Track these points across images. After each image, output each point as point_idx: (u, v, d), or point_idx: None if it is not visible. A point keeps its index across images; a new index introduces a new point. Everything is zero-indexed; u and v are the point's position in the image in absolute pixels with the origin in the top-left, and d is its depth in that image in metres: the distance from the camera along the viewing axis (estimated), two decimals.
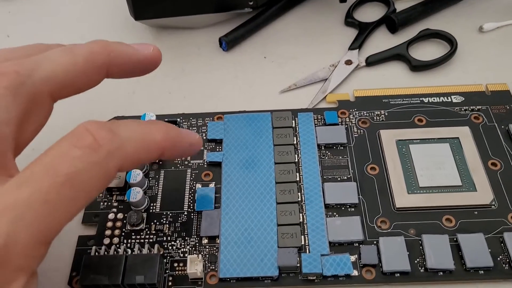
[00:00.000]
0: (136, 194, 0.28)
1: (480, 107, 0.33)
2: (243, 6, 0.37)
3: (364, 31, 0.38)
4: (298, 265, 0.26)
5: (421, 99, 0.34)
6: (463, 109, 0.33)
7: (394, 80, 0.35)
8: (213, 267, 0.27)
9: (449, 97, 0.34)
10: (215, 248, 0.27)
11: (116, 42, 0.25)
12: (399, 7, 0.39)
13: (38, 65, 0.22)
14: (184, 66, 0.37)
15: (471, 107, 0.33)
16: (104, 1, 0.43)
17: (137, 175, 0.29)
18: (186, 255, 0.27)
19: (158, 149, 0.22)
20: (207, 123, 0.33)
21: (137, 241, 0.28)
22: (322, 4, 0.40)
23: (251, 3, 0.37)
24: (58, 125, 0.35)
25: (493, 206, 0.28)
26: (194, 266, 0.26)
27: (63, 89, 0.23)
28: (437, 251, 0.26)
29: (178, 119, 0.33)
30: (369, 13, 0.40)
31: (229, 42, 0.37)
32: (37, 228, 0.18)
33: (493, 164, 0.30)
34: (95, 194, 0.20)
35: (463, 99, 0.34)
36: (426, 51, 0.37)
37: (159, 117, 0.33)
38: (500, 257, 0.27)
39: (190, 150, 0.25)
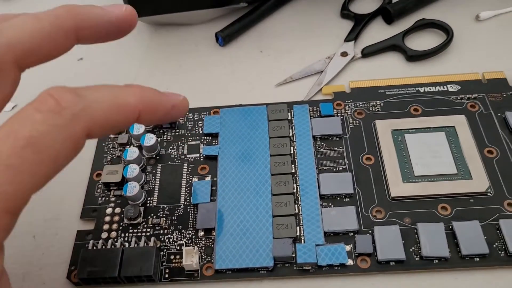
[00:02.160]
0: (132, 189, 0.29)
1: (476, 95, 0.33)
2: (238, 1, 0.37)
3: (360, 22, 0.38)
4: (293, 255, 0.27)
5: (417, 88, 0.34)
6: (459, 98, 0.33)
7: (390, 70, 0.35)
8: (209, 259, 0.27)
9: (445, 86, 0.34)
10: (211, 240, 0.28)
11: (86, 5, 0.23)
12: None
13: (0, 33, 0.21)
14: (181, 62, 0.38)
15: (467, 96, 0.33)
16: None
17: (133, 169, 0.29)
18: (182, 247, 0.27)
19: (132, 112, 0.21)
20: (204, 117, 0.33)
21: (135, 234, 0.28)
22: None
23: None
24: None
25: (489, 194, 0.28)
26: (190, 258, 0.26)
27: (29, 56, 0.22)
28: (432, 239, 0.26)
29: None
30: (365, 5, 0.40)
31: (225, 37, 0.37)
32: (1, 195, 0.17)
33: (489, 151, 0.30)
34: (63, 161, 0.19)
35: (459, 87, 0.33)
36: (422, 41, 0.37)
37: None
38: (496, 244, 0.26)
39: (173, 113, 0.23)
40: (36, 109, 0.18)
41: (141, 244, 0.27)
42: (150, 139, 0.31)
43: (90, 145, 0.32)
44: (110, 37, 0.25)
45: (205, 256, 0.27)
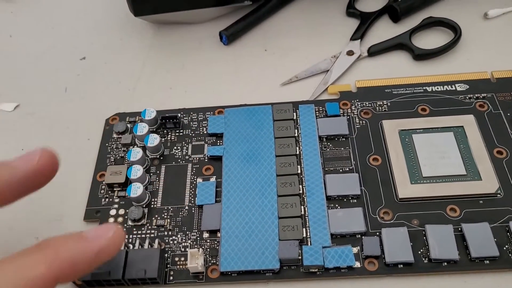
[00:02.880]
0: (136, 190, 0.28)
1: (485, 94, 0.32)
2: None
3: (366, 21, 0.37)
4: (300, 257, 0.26)
5: (424, 88, 0.33)
6: (467, 97, 0.32)
7: (397, 69, 0.35)
8: (214, 261, 0.27)
9: (453, 86, 0.33)
10: (216, 242, 0.27)
11: None
12: None
13: None
14: (184, 61, 0.37)
15: (476, 95, 0.32)
16: None
17: (137, 170, 0.29)
18: (187, 249, 0.27)
19: (44, 284, 0.19)
20: (208, 117, 0.33)
21: (139, 236, 0.28)
22: None
23: None
24: (65, 119, 0.35)
25: (498, 195, 0.28)
26: (195, 260, 0.26)
27: None
28: (441, 241, 0.26)
29: (179, 114, 0.33)
30: (371, 3, 0.39)
31: (229, 36, 0.37)
32: None
33: (499, 152, 0.30)
34: None
35: (468, 87, 0.33)
36: (429, 40, 0.36)
37: (160, 112, 0.33)
38: (506, 246, 0.26)
39: (101, 259, 0.21)
40: None
41: (145, 246, 0.27)
42: (154, 140, 0.30)
43: (93, 146, 0.32)
44: (26, 192, 0.23)
45: (210, 258, 0.27)
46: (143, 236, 0.28)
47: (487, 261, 0.26)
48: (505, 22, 0.37)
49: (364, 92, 0.33)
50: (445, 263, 0.26)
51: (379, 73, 0.35)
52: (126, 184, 0.30)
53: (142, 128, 0.31)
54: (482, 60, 0.35)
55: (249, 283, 0.26)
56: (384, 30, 0.37)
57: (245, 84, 0.35)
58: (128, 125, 0.33)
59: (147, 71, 0.37)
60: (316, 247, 0.26)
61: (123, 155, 0.31)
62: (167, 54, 0.38)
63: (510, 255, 0.26)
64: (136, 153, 0.30)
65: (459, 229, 0.27)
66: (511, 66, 0.34)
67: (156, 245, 0.27)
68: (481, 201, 0.28)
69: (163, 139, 0.32)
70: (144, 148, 0.31)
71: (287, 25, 0.39)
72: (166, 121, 0.32)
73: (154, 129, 0.32)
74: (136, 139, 0.32)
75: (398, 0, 0.38)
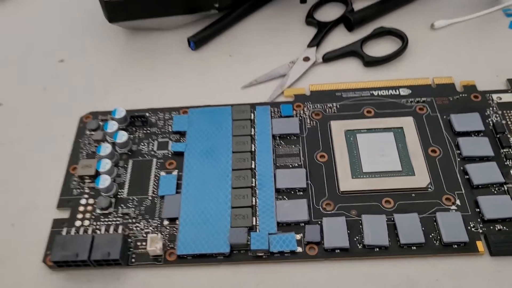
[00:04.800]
0: (104, 181, 0.31)
1: (425, 99, 0.36)
2: (208, 8, 0.40)
3: (323, 29, 0.41)
4: (248, 243, 0.29)
5: (371, 92, 0.36)
6: (409, 101, 0.36)
7: (348, 75, 0.38)
8: (172, 246, 0.30)
9: (397, 90, 0.36)
10: (175, 229, 0.30)
11: None
12: (358, 6, 0.42)
13: None
14: (154, 65, 0.40)
15: (417, 99, 0.36)
16: (81, 4, 0.45)
17: (106, 164, 0.32)
18: (148, 235, 0.30)
19: None
20: (173, 116, 0.36)
21: (105, 223, 0.31)
22: (285, 5, 0.43)
23: (216, 5, 0.39)
24: (43, 116, 0.38)
25: (429, 189, 0.31)
26: (154, 244, 0.29)
27: None
28: (374, 229, 0.29)
29: (147, 113, 0.36)
30: (329, 13, 0.43)
31: (196, 42, 0.40)
32: None
33: (433, 151, 0.33)
34: None
35: (410, 91, 0.36)
36: (379, 48, 0.40)
37: (130, 112, 0.36)
38: (432, 234, 0.29)
39: None
40: None
41: (111, 231, 0.30)
42: (122, 136, 0.33)
43: (68, 141, 0.35)
44: None
45: (169, 243, 0.30)
46: (110, 223, 0.31)
47: (414, 247, 0.29)
48: (450, 33, 0.40)
49: (317, 95, 0.37)
50: (377, 249, 0.29)
51: (331, 78, 0.38)
52: (96, 176, 0.32)
53: (112, 126, 0.34)
54: (426, 67, 0.38)
55: (203, 265, 0.29)
56: (339, 39, 0.41)
57: (209, 87, 0.38)
58: (100, 123, 0.36)
59: (120, 73, 0.40)
60: (263, 233, 0.29)
61: (94, 150, 0.34)
62: (139, 58, 0.41)
63: (435, 242, 0.29)
64: (105, 148, 0.33)
65: (392, 219, 0.30)
66: (452, 73, 0.37)
67: (120, 230, 0.30)
68: (413, 194, 0.31)
69: (131, 136, 0.35)
70: (114, 144, 0.34)
71: (250, 32, 0.42)
72: (135, 120, 0.35)
73: (124, 127, 0.35)
74: (106, 136, 0.35)
75: (354, 10, 0.41)
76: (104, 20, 0.40)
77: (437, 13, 0.42)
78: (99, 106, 0.37)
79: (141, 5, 0.38)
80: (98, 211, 0.31)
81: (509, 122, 0.34)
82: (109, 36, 0.42)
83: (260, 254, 0.29)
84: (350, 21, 0.41)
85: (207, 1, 0.39)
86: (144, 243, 0.30)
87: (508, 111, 0.35)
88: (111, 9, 0.38)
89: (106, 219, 0.31)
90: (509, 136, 0.33)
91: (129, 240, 0.30)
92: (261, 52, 0.40)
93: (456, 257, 0.29)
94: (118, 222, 0.31)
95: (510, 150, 0.33)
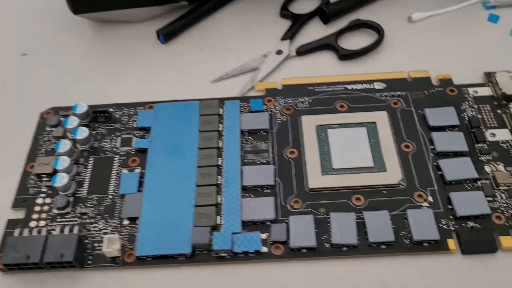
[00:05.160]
0: (61, 180, 0.30)
1: (400, 93, 0.35)
2: None
3: (297, 22, 0.39)
4: (211, 243, 0.28)
5: (345, 86, 0.35)
6: (384, 95, 0.34)
7: (322, 69, 0.37)
8: (132, 247, 0.28)
9: (371, 84, 0.35)
10: (135, 229, 0.29)
11: None
12: None
13: None
14: (123, 58, 0.39)
15: (392, 93, 0.35)
16: None
17: (64, 161, 0.31)
18: (105, 235, 0.28)
19: None
20: (138, 111, 0.34)
21: (62, 223, 0.29)
22: None
23: None
24: (2, 112, 0.36)
25: (401, 185, 0.30)
26: (111, 245, 0.27)
27: None
28: (342, 227, 0.28)
29: (111, 109, 0.34)
30: (304, 5, 0.41)
31: (166, 35, 0.39)
32: None
33: (406, 146, 0.32)
34: None
35: (385, 85, 0.35)
36: (355, 41, 0.38)
37: (92, 107, 0.34)
38: (402, 232, 0.28)
39: None
40: None
41: (66, 232, 0.28)
42: (82, 132, 0.32)
43: (26, 138, 0.33)
44: None
45: (128, 244, 0.28)
46: (67, 223, 0.29)
47: (384, 246, 0.28)
48: (427, 25, 0.39)
49: (289, 90, 0.35)
50: (345, 248, 0.28)
51: (305, 72, 0.37)
52: (54, 174, 0.31)
53: (72, 122, 0.33)
54: (402, 61, 0.37)
55: (163, 267, 0.28)
56: (314, 31, 0.39)
57: (179, 81, 0.37)
58: (61, 118, 0.34)
59: (85, 67, 0.38)
60: (227, 233, 0.28)
61: (53, 147, 0.33)
62: (106, 51, 0.39)
63: (405, 240, 0.28)
64: (64, 145, 0.31)
65: (362, 217, 0.29)
66: (428, 67, 0.36)
67: (75, 231, 0.28)
68: (385, 191, 0.30)
69: (94, 132, 0.34)
70: (74, 141, 0.33)
71: (222, 25, 0.40)
72: (98, 115, 0.34)
73: (86, 123, 0.34)
74: (67, 132, 0.33)
75: (330, 2, 0.40)
76: (70, 12, 0.38)
77: (415, 6, 0.40)
78: (62, 102, 0.36)
79: None
80: (55, 211, 0.30)
81: (485, 117, 0.33)
82: (76, 28, 0.41)
83: (223, 255, 0.28)
84: (325, 13, 0.39)
85: None
86: (101, 244, 0.28)
87: (484, 105, 0.34)
88: (75, 0, 0.37)
89: (63, 219, 0.30)
90: (484, 130, 0.32)
91: (86, 241, 0.28)
92: (233, 46, 0.39)
93: (427, 256, 0.27)
94: (75, 222, 0.29)
95: (485, 145, 0.31)
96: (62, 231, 0.28)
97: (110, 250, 0.27)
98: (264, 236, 0.28)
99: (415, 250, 0.27)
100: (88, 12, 0.38)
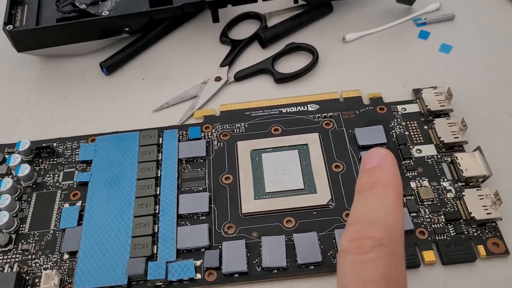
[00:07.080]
0: (2, 218, 0.31)
1: (332, 113, 0.36)
2: (119, 32, 0.39)
3: (236, 48, 0.41)
4: (146, 273, 0.29)
5: (280, 109, 0.37)
6: (316, 117, 0.36)
7: (260, 93, 0.38)
8: (71, 281, 0.29)
9: (305, 106, 0.37)
10: (74, 263, 0.30)
11: None
12: (272, 23, 0.42)
13: None
14: (67, 92, 0.40)
15: (324, 114, 0.36)
16: None
17: (5, 199, 0.32)
18: (43, 271, 0.30)
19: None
20: (80, 145, 0.35)
21: (3, 261, 0.30)
22: (199, 25, 0.43)
23: (126, 29, 0.39)
24: None
25: (330, 206, 0.31)
26: (50, 281, 0.28)
27: None
28: (272, 251, 0.29)
29: (55, 143, 0.36)
30: (242, 31, 0.43)
31: (108, 67, 0.40)
32: None
33: (337, 166, 0.33)
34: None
35: (318, 107, 0.36)
36: (291, 64, 0.40)
37: (36, 143, 0.35)
38: (330, 252, 0.29)
39: None
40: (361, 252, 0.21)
41: (6, 270, 0.29)
42: (24, 169, 0.33)
43: None
44: None
45: (67, 278, 0.29)
46: (9, 261, 0.30)
47: (312, 267, 0.29)
48: (361, 45, 0.41)
49: (226, 116, 0.37)
50: (276, 270, 0.29)
51: (243, 97, 0.38)
52: None
53: (15, 159, 0.34)
54: (336, 81, 0.38)
55: None
56: (253, 56, 0.41)
57: (121, 112, 0.38)
58: (6, 156, 0.35)
59: (31, 103, 0.39)
60: (161, 262, 0.29)
61: None
62: (51, 86, 0.40)
63: (332, 260, 0.29)
64: (6, 183, 0.32)
65: (292, 239, 0.30)
66: (360, 86, 0.37)
67: (15, 268, 0.29)
68: (315, 212, 0.31)
69: (37, 168, 0.35)
70: (18, 178, 0.34)
71: (164, 54, 0.42)
72: (41, 151, 0.35)
73: (30, 159, 0.35)
74: (11, 170, 0.34)
75: (267, 27, 0.42)
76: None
77: (349, 26, 0.42)
78: (7, 139, 0.37)
79: (49, 33, 0.38)
80: None
81: (412, 133, 0.34)
82: (23, 64, 0.42)
83: (158, 284, 0.29)
84: (262, 38, 0.41)
85: (117, 26, 0.39)
86: (42, 280, 0.29)
87: (412, 122, 0.35)
88: (18, 39, 0.38)
89: (5, 257, 0.31)
90: (411, 147, 0.34)
91: (27, 277, 0.30)
92: (174, 74, 0.40)
93: None
94: (17, 259, 0.30)
95: (411, 161, 0.33)
96: (2, 269, 0.29)
97: (48, 285, 0.28)
98: (198, 263, 0.30)
99: None
100: (31, 50, 0.39)
